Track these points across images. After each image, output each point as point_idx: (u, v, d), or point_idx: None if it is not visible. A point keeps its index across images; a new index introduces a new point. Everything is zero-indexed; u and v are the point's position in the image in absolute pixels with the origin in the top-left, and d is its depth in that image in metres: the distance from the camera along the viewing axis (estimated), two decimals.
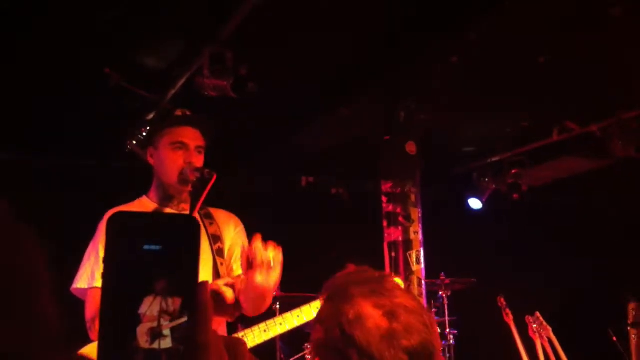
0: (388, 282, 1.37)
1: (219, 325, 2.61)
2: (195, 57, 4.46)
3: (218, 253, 2.63)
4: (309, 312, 2.81)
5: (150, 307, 0.74)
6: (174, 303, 0.74)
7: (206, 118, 2.76)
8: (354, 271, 1.42)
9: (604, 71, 5.08)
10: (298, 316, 2.83)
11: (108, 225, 0.76)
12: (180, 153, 2.59)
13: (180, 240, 0.76)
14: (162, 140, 2.64)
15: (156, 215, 0.91)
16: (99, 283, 2.42)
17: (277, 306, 5.13)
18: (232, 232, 2.75)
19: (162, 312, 0.74)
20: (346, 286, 1.35)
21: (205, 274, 2.55)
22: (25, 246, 0.77)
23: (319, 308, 1.40)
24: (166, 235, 0.76)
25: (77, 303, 2.54)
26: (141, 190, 2.78)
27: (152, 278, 0.74)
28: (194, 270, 0.76)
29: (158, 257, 0.75)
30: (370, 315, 1.28)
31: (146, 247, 0.75)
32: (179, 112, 2.72)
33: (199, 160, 2.59)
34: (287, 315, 2.87)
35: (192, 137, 2.63)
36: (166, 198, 2.66)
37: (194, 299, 0.75)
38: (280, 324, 2.84)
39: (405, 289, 1.42)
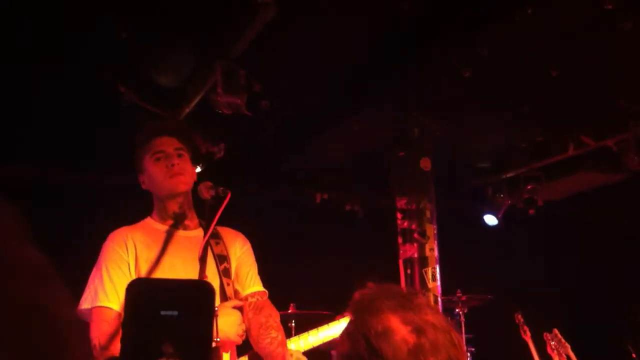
0: (417, 299, 1.36)
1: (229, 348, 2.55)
2: (208, 75, 4.47)
3: (224, 273, 2.57)
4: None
5: None
6: None
7: (176, 122, 2.70)
8: (382, 285, 1.41)
9: (619, 85, 5.05)
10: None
11: (128, 290, 0.81)
12: (162, 162, 2.55)
13: (195, 306, 0.81)
14: (145, 159, 2.60)
15: (173, 282, 0.98)
16: (102, 302, 2.37)
17: (293, 324, 5.10)
18: (239, 252, 2.70)
19: None
20: (374, 299, 1.34)
21: None
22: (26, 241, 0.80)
23: (348, 322, 1.38)
24: (182, 302, 0.81)
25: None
26: (144, 209, 2.73)
27: (166, 340, 0.78)
28: (208, 334, 0.81)
29: (174, 322, 0.79)
30: (398, 329, 1.27)
31: (162, 312, 0.80)
32: (149, 126, 2.71)
33: (181, 162, 2.54)
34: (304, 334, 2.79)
35: (168, 143, 2.59)
36: (168, 217, 2.60)
37: None
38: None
39: (433, 307, 1.41)
